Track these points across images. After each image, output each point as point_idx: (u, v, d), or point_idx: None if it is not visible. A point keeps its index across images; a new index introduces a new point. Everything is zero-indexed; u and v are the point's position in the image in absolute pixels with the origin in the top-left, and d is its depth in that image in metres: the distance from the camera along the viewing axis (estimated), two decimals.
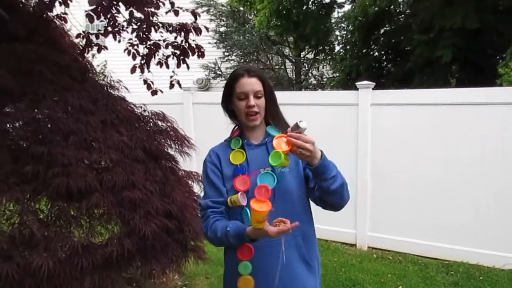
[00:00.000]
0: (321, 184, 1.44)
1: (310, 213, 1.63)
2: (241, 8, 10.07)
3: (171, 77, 3.50)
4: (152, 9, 3.16)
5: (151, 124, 2.71)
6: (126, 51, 3.42)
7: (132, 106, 2.74)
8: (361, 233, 4.63)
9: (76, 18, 3.36)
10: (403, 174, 4.35)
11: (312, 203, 1.62)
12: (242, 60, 10.97)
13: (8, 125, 2.14)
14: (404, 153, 4.34)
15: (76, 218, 1.98)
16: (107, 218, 2.05)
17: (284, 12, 8.58)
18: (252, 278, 1.51)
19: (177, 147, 2.72)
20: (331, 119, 4.67)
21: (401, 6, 9.42)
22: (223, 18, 11.05)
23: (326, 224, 4.72)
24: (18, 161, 2.01)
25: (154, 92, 3.50)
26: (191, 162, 3.36)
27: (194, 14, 3.28)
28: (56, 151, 2.02)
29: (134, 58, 3.44)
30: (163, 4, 3.19)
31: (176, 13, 3.23)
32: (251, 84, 1.51)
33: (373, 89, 4.49)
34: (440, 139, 4.15)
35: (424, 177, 4.24)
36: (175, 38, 3.38)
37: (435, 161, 4.18)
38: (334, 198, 1.49)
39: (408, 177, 4.32)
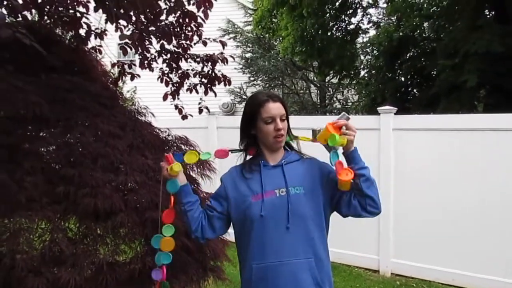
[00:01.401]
0: (360, 172, 1.54)
1: (325, 236, 1.66)
2: (266, 35, 10.34)
3: (199, 103, 3.68)
4: (184, 42, 3.37)
5: (175, 147, 2.84)
6: (159, 79, 3.63)
7: (158, 131, 2.89)
8: (384, 259, 4.57)
9: (109, 47, 3.60)
10: (427, 199, 4.30)
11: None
12: (267, 85, 11.17)
13: (42, 149, 2.31)
14: (428, 179, 4.30)
15: (102, 237, 2.11)
16: (131, 237, 2.17)
17: (308, 38, 8.75)
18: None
19: (198, 170, 2.83)
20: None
21: (426, 31, 9.46)
22: (249, 45, 11.36)
23: (349, 249, 4.70)
24: (51, 183, 2.15)
25: (185, 117, 3.68)
26: (214, 185, 3.46)
27: (223, 43, 3.46)
28: (86, 173, 2.16)
29: (166, 85, 3.64)
30: (196, 33, 3.39)
31: (205, 44, 3.42)
32: (277, 108, 1.60)
33: (396, 113, 4.53)
34: (466, 165, 4.10)
35: (449, 203, 4.18)
36: (202, 68, 3.57)
37: (460, 187, 4.13)
38: (373, 190, 1.57)
39: (433, 202, 4.27)
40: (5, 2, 2.42)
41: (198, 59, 3.46)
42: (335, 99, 12.13)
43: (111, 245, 2.15)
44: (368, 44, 10.74)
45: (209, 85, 3.58)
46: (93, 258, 2.02)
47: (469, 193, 4.06)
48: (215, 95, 3.61)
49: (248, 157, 1.74)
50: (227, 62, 3.47)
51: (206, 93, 3.59)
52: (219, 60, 3.43)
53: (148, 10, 2.92)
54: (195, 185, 2.83)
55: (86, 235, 2.12)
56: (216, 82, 3.53)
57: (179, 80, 3.60)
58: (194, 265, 2.40)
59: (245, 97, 10.96)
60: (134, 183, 2.26)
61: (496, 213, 3.93)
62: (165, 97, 3.62)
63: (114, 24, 2.90)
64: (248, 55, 11.24)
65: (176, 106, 3.67)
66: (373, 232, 4.57)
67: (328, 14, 8.89)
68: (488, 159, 3.98)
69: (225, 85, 3.57)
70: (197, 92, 3.65)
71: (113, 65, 3.65)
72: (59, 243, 1.92)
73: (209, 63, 3.47)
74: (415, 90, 9.41)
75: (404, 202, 4.43)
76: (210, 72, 3.54)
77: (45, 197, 2.05)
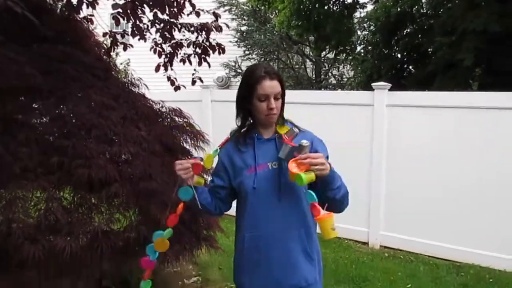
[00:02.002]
0: (327, 194, 1.53)
1: None
2: (262, 8, 10.17)
3: (193, 74, 3.66)
4: (176, 9, 3.31)
5: (169, 119, 2.86)
6: (152, 50, 3.58)
7: (151, 102, 2.89)
8: (374, 231, 4.69)
9: (102, 17, 3.55)
10: (418, 175, 4.38)
11: None
12: (263, 59, 11.07)
13: (36, 120, 2.32)
14: (420, 154, 4.36)
15: (97, 206, 2.15)
16: (125, 206, 2.21)
17: (305, 12, 8.63)
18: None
19: (192, 141, 2.86)
20: (347, 118, 4.74)
21: (424, 7, 9.35)
22: (244, 17, 11.19)
23: (340, 222, 4.70)
24: (45, 154, 2.17)
25: (177, 88, 3.66)
26: None
27: (216, 15, 3.42)
28: (80, 144, 2.18)
29: (159, 56, 3.60)
30: (189, 3, 3.34)
31: (198, 15, 3.37)
32: (273, 87, 1.58)
33: (390, 90, 4.55)
34: (457, 142, 4.16)
35: (439, 179, 4.25)
36: (196, 37, 3.53)
37: (451, 163, 4.19)
38: (335, 206, 1.57)
39: (423, 178, 4.34)
40: None
41: (192, 28, 3.42)
42: (330, 74, 12.07)
43: (106, 214, 2.19)
44: (366, 19, 10.62)
45: (203, 56, 3.55)
46: (88, 226, 2.07)
47: (465, 171, 4.11)
48: (209, 66, 3.58)
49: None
50: (221, 30, 3.41)
51: (200, 63, 3.56)
52: (213, 29, 3.39)
53: None
54: (189, 157, 2.86)
55: (81, 205, 2.16)
56: (211, 52, 3.50)
57: (171, 51, 3.57)
58: (187, 234, 2.46)
59: (240, 71, 10.88)
60: (128, 154, 2.29)
61: (492, 191, 3.99)
62: (157, 68, 3.59)
63: None
64: (244, 28, 11.09)
65: (169, 78, 3.65)
66: (363, 206, 4.66)
67: None
68: (484, 137, 4.02)
69: (219, 53, 3.53)
70: (190, 63, 3.62)
71: (104, 34, 3.60)
72: (54, 212, 1.96)
73: (203, 32, 3.43)
74: (411, 67, 9.38)
75: (396, 178, 4.50)
76: (204, 41, 3.50)
77: (40, 167, 2.08)
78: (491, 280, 3.77)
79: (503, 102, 3.93)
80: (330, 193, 1.53)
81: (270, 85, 1.58)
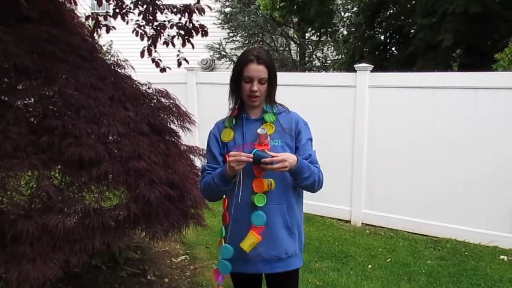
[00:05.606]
0: (297, 182, 1.71)
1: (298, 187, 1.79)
2: None
3: (178, 55, 3.67)
4: None
5: (155, 100, 2.90)
6: (134, 32, 3.57)
7: (138, 83, 2.92)
8: (355, 210, 4.84)
9: None
10: (398, 155, 4.53)
11: None
12: (247, 42, 11.04)
13: (25, 100, 2.33)
14: (400, 135, 4.51)
15: (87, 184, 2.19)
16: (115, 185, 2.26)
17: None
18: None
19: (179, 122, 2.91)
20: (330, 100, 4.83)
21: None
22: None
23: (323, 201, 4.93)
24: (35, 133, 2.20)
25: (163, 70, 3.68)
26: (194, 138, 3.56)
27: None
28: (69, 124, 2.22)
29: (142, 39, 3.59)
30: None
31: None
32: (258, 71, 1.67)
33: (371, 71, 4.64)
34: (435, 121, 4.30)
35: (418, 159, 4.42)
36: (180, 19, 3.54)
37: (429, 143, 4.34)
38: (307, 189, 1.78)
39: (403, 158, 4.50)
40: None
41: (175, 10, 3.43)
42: (314, 56, 12.12)
43: (96, 192, 2.25)
44: (349, 1, 10.65)
45: (186, 37, 3.57)
46: (80, 204, 2.12)
47: (439, 148, 4.29)
48: (193, 47, 3.60)
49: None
50: (204, 12, 3.43)
51: (183, 44, 3.58)
52: (196, 11, 3.40)
53: None
54: (175, 138, 2.92)
55: (72, 183, 2.21)
56: (194, 33, 3.52)
57: (154, 33, 3.57)
58: (175, 212, 2.53)
59: (224, 53, 10.83)
60: (116, 134, 2.33)
61: (465, 169, 4.18)
62: (142, 54, 3.60)
63: None
64: (228, 9, 11.00)
65: (153, 60, 3.66)
66: (346, 185, 4.81)
67: None
68: (461, 117, 4.17)
69: (202, 35, 3.56)
70: (173, 45, 3.63)
71: (87, 17, 3.58)
72: (46, 190, 2.00)
73: (186, 14, 3.45)
74: (393, 49, 9.50)
75: (377, 158, 4.64)
76: (187, 23, 3.52)
77: (30, 146, 2.11)
78: (466, 253, 3.97)
79: (478, 82, 4.07)
80: (298, 182, 1.70)
81: (255, 69, 1.67)
